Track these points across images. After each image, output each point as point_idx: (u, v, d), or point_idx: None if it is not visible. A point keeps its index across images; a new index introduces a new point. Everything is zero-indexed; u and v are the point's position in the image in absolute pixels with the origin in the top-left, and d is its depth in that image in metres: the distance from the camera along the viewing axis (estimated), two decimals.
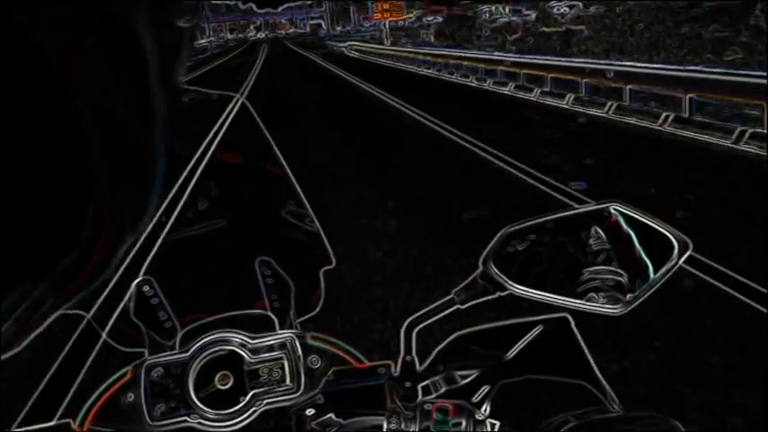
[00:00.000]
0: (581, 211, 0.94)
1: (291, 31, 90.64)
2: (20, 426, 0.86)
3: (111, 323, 1.06)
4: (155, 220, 0.29)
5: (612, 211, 0.93)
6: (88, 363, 3.13)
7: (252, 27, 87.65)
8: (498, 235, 0.92)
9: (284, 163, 1.13)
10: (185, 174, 1.05)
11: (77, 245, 0.25)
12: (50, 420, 0.88)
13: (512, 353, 0.95)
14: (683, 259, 0.87)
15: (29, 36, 0.20)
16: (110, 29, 0.22)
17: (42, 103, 0.22)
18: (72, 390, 2.80)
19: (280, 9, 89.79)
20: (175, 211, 1.07)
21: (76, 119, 0.22)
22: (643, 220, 0.90)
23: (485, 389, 0.93)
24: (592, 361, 0.95)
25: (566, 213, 0.93)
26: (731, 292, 3.50)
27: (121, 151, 0.24)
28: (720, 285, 3.58)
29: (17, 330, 0.26)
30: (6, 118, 0.21)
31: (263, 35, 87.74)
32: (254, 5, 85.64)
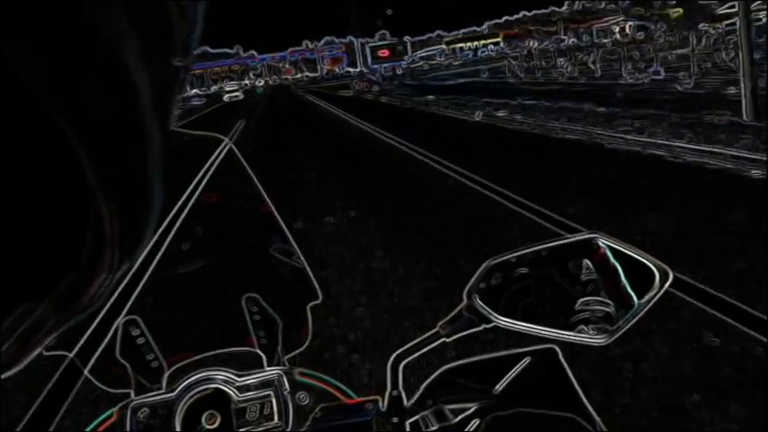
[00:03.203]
0: (563, 242, 0.95)
1: (299, 76, 67.66)
2: None
3: (96, 363, 1.05)
4: (143, 255, 0.30)
5: (598, 242, 0.94)
6: (70, 403, 3.08)
7: (251, 74, 66.58)
8: (482, 267, 0.93)
9: (269, 201, 1.14)
10: (172, 214, 1.06)
11: (78, 267, 0.26)
12: None
13: (500, 385, 0.96)
14: (664, 288, 0.88)
15: (19, 70, 0.21)
16: (104, 67, 0.22)
17: (40, 130, 0.23)
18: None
19: (288, 51, 68.52)
20: (161, 251, 1.07)
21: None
22: (623, 250, 0.92)
23: (474, 422, 0.93)
24: (580, 392, 0.96)
25: (548, 244, 0.94)
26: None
27: (116, 179, 0.25)
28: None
29: (19, 349, 0.27)
30: (7, 144, 0.22)
31: (262, 83, 64.71)
32: (254, 52, 67.01)
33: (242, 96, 52.14)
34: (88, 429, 0.94)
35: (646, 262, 0.90)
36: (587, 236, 0.96)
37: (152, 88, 0.24)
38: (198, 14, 0.28)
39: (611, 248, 0.93)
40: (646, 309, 0.88)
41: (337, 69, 66.29)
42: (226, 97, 53.70)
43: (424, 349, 0.93)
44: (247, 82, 65.52)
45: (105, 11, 0.22)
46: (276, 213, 1.17)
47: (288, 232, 1.17)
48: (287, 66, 68.26)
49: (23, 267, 0.25)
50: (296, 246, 1.17)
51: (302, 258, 1.16)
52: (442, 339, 0.93)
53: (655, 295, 0.89)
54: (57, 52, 0.21)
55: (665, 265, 0.89)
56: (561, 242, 0.96)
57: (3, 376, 0.28)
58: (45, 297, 0.26)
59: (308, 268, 1.15)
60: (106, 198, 0.24)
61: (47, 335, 0.27)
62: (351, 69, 64.97)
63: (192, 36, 0.28)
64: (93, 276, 0.26)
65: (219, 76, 64.04)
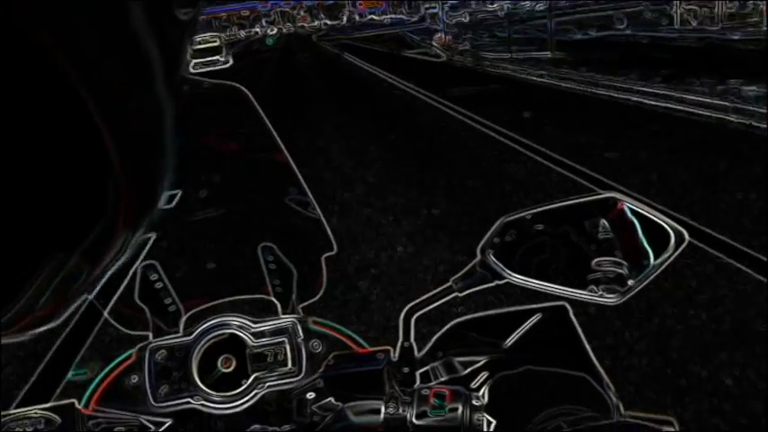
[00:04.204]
0: (579, 200, 0.95)
1: (317, 23, 55.11)
2: (20, 405, 0.89)
3: (115, 306, 1.07)
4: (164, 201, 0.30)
5: (615, 200, 0.94)
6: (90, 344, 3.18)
7: (263, 20, 54.68)
8: (497, 224, 0.93)
9: (286, 150, 1.14)
10: (188, 161, 1.07)
11: (102, 220, 0.26)
12: (50, 400, 0.90)
13: (510, 340, 0.97)
14: (679, 251, 0.88)
15: (30, 36, 0.21)
16: (109, 25, 0.23)
17: (59, 91, 0.23)
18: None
19: None
20: (178, 198, 1.08)
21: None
22: (640, 210, 0.91)
23: (483, 375, 0.95)
24: (589, 350, 0.97)
25: (564, 203, 0.94)
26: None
27: (129, 135, 0.25)
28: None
29: (56, 302, 0.28)
30: (29, 106, 0.22)
31: (275, 31, 52.49)
32: None
33: (228, 62, 26.41)
34: (106, 369, 0.98)
35: (661, 222, 0.90)
36: (604, 195, 0.95)
37: (159, 44, 0.24)
38: None
39: (629, 207, 0.93)
40: (659, 270, 0.88)
41: (357, 17, 55.41)
42: (193, 64, 19.52)
43: (437, 303, 0.94)
44: (258, 30, 54.10)
45: None
46: (292, 162, 1.17)
47: (303, 182, 1.17)
48: (302, 12, 57.05)
49: (54, 221, 0.25)
50: (311, 196, 1.18)
51: (318, 209, 1.17)
52: (455, 294, 0.94)
53: (669, 257, 0.88)
54: (64, 15, 0.21)
55: (680, 227, 0.88)
56: (578, 200, 0.96)
57: (43, 329, 0.29)
58: (76, 248, 0.26)
59: (323, 219, 1.16)
60: (119, 153, 0.25)
61: (82, 286, 0.28)
62: (376, 17, 54.02)
63: None
64: (116, 228, 0.27)
65: (230, 22, 54.47)
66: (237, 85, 1.26)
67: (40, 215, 0.24)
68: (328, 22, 56.04)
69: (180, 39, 0.27)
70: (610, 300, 0.88)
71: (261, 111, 1.22)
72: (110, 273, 0.29)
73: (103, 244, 0.27)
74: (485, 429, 0.82)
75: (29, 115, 0.22)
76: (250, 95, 1.25)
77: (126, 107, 0.24)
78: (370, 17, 54.69)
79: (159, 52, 0.24)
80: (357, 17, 55.25)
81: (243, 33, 53.37)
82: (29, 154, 0.23)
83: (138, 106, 0.25)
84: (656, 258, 0.89)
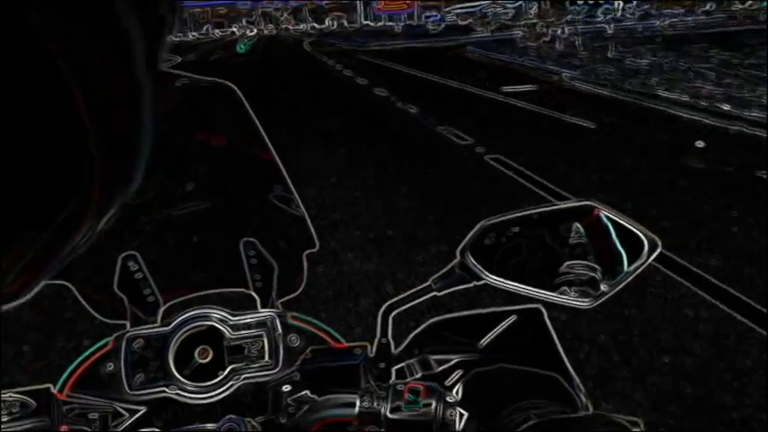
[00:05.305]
0: (557, 207, 0.97)
1: (303, 27, 47.85)
2: None
3: (93, 294, 1.07)
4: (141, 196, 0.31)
5: (592, 208, 0.96)
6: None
7: (244, 20, 48.97)
8: (476, 227, 0.95)
9: (272, 148, 1.16)
10: (174, 155, 1.09)
11: (76, 197, 0.26)
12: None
13: (485, 340, 0.99)
14: (652, 258, 0.90)
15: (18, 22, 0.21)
16: (92, 8, 0.23)
17: (38, 72, 0.23)
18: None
19: None
20: (163, 191, 1.09)
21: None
22: (615, 218, 0.94)
23: (457, 373, 0.97)
24: (562, 351, 0.99)
25: (542, 209, 0.96)
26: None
27: (107, 107, 0.25)
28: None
29: (24, 279, 0.27)
30: (8, 86, 0.23)
31: (254, 32, 46.00)
32: None
33: None
34: (83, 356, 0.98)
35: (635, 230, 0.92)
36: (582, 203, 0.97)
37: (142, 37, 0.25)
38: None
39: (605, 215, 0.95)
40: (632, 276, 0.91)
41: (345, 22, 46.23)
42: None
43: (415, 301, 0.96)
44: (235, 30, 46.87)
45: None
46: (278, 160, 1.18)
47: (288, 180, 1.19)
48: (285, 15, 50.23)
49: (25, 198, 0.25)
50: (296, 193, 1.19)
51: (302, 206, 1.18)
52: (433, 293, 0.96)
53: (642, 264, 0.91)
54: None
55: (654, 236, 0.91)
56: (556, 207, 0.98)
57: (9, 306, 0.29)
58: (48, 226, 0.26)
59: (306, 216, 1.17)
60: (96, 126, 0.25)
61: (50, 264, 0.28)
62: (371, 22, 45.56)
63: None
64: (89, 206, 0.27)
65: (205, 19, 48.24)
66: (227, 83, 1.27)
67: (13, 191, 0.24)
68: (316, 26, 47.72)
69: (161, 21, 0.28)
70: (582, 303, 0.91)
71: (250, 109, 1.23)
72: (78, 252, 0.29)
73: (75, 223, 0.27)
74: (457, 424, 0.84)
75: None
76: (239, 93, 1.26)
77: (105, 81, 0.25)
78: (366, 22, 47.08)
79: (141, 34, 0.25)
80: (345, 22, 47.44)
81: (218, 33, 46.94)
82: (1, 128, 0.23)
83: (117, 81, 0.25)
84: (629, 265, 0.92)
